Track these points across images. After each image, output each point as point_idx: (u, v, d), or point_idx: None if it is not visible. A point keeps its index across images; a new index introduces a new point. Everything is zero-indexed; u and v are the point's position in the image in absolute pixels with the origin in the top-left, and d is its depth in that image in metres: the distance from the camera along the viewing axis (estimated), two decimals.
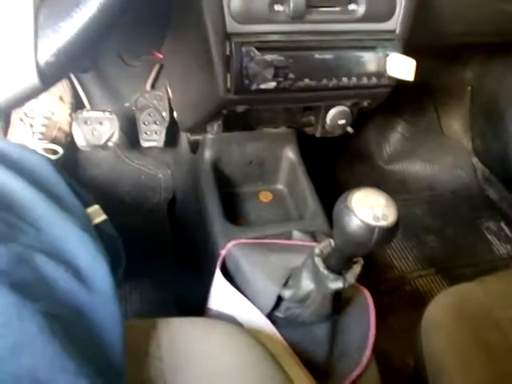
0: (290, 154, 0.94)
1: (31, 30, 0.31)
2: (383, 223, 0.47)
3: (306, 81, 0.67)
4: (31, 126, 1.08)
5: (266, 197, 0.96)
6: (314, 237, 0.77)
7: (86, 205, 0.58)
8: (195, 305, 0.81)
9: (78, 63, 0.38)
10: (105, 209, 0.62)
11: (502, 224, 1.32)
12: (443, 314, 0.66)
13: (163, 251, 1.06)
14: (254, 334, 0.58)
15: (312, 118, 0.88)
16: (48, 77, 0.33)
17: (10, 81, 0.32)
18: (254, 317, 0.66)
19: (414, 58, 0.66)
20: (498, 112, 1.29)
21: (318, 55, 0.66)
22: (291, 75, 0.66)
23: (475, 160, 1.42)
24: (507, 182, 1.34)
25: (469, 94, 1.39)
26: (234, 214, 0.91)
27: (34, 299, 0.38)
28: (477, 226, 1.31)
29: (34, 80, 0.32)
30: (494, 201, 1.37)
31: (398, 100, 1.14)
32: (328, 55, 0.67)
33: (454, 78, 1.37)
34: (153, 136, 1.12)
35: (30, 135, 1.06)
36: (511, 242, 1.27)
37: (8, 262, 0.40)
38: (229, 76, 0.65)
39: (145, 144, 1.12)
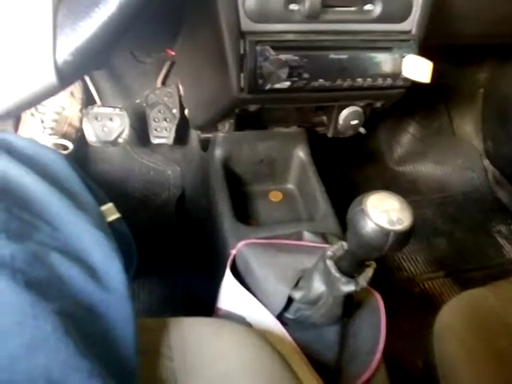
0: (301, 153, 0.93)
1: (50, 29, 0.31)
2: (398, 227, 0.46)
3: (321, 81, 0.66)
4: (42, 121, 1.08)
5: (276, 196, 0.96)
6: (324, 238, 0.77)
7: (100, 202, 0.57)
8: (203, 303, 0.81)
9: (98, 63, 0.38)
10: (114, 205, 0.62)
11: None
12: (455, 318, 0.65)
13: (171, 248, 1.06)
14: (263, 335, 0.58)
15: (324, 117, 0.87)
16: (66, 76, 0.32)
17: (28, 79, 0.32)
18: (264, 318, 0.65)
19: (428, 59, 0.66)
20: (510, 114, 1.28)
21: (333, 55, 0.65)
22: (306, 75, 0.65)
23: (486, 162, 1.41)
24: None
25: (481, 96, 1.38)
26: (243, 213, 0.90)
27: (49, 298, 0.38)
28: (487, 228, 1.30)
29: (51, 79, 0.32)
30: (504, 203, 1.36)
31: (409, 101, 1.13)
32: (343, 55, 0.66)
33: (467, 79, 1.36)
34: (163, 133, 1.12)
35: (40, 130, 1.07)
36: None
37: (23, 260, 0.39)
38: (242, 75, 0.64)
39: (155, 141, 1.12)
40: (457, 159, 1.42)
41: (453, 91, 1.38)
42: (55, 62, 0.32)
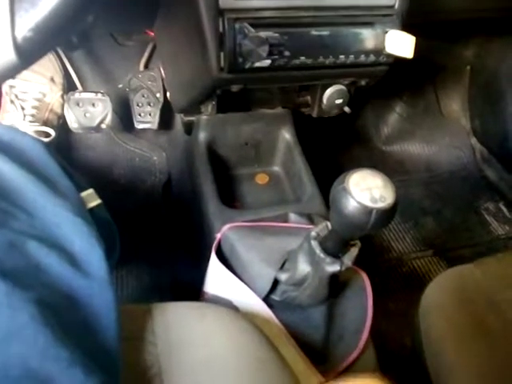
0: (287, 135, 0.92)
1: (7, 4, 0.29)
2: (381, 205, 0.46)
3: (302, 58, 0.65)
4: (22, 108, 1.05)
5: (262, 179, 0.95)
6: (310, 219, 0.76)
7: (80, 188, 0.56)
8: (191, 289, 0.81)
9: (61, 40, 0.36)
10: (99, 192, 0.61)
11: (501, 205, 1.31)
12: (442, 295, 0.65)
13: (158, 234, 1.05)
14: (250, 318, 0.58)
15: (308, 97, 0.86)
16: (26, 53, 0.31)
17: None
18: (250, 300, 0.65)
19: (413, 36, 0.64)
20: (497, 92, 1.27)
21: (314, 32, 0.64)
22: (287, 53, 0.64)
23: (474, 140, 1.41)
24: (506, 163, 1.33)
25: (468, 73, 1.37)
26: (229, 196, 0.89)
27: (26, 287, 0.37)
28: (475, 206, 1.30)
29: (11, 56, 0.30)
30: (492, 181, 1.36)
31: (396, 80, 1.12)
32: (324, 32, 0.65)
33: (453, 57, 1.35)
34: (147, 118, 1.10)
35: (21, 118, 1.04)
36: (510, 222, 1.26)
37: None
38: (222, 54, 0.63)
39: (139, 126, 1.10)
40: (444, 138, 1.42)
41: (439, 69, 1.37)
42: (14, 38, 0.30)
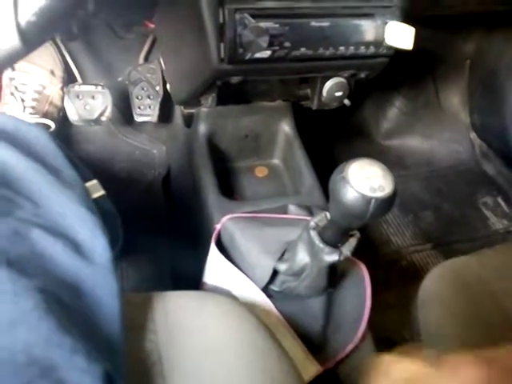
0: (286, 127, 0.92)
1: None
2: (380, 194, 0.46)
3: (302, 50, 0.65)
4: (22, 100, 1.06)
5: (261, 172, 0.95)
6: (309, 211, 0.77)
7: (85, 179, 0.56)
8: (191, 280, 0.81)
9: (63, 25, 0.36)
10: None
11: (499, 199, 1.31)
12: (440, 286, 0.66)
13: (159, 227, 1.05)
14: (248, 307, 0.58)
15: (308, 90, 0.86)
16: (30, 38, 0.31)
17: None
18: (250, 290, 0.65)
19: (413, 27, 0.64)
20: (497, 86, 1.27)
21: (314, 23, 0.64)
22: (287, 44, 0.64)
23: (473, 135, 1.41)
24: (505, 157, 1.33)
25: (468, 68, 1.37)
26: (229, 189, 0.90)
27: (30, 275, 0.37)
28: (474, 201, 1.30)
29: (14, 41, 0.30)
30: (491, 176, 1.37)
31: (395, 74, 1.12)
32: (325, 23, 0.65)
33: (453, 51, 1.34)
34: (146, 111, 1.10)
35: (21, 110, 1.04)
36: (508, 217, 1.27)
37: (4, 236, 0.39)
38: (222, 45, 0.63)
39: (138, 119, 1.10)
40: (443, 132, 1.42)
41: (439, 63, 1.37)
42: (17, 23, 0.30)
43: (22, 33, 0.31)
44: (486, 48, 1.30)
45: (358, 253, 0.58)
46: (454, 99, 1.42)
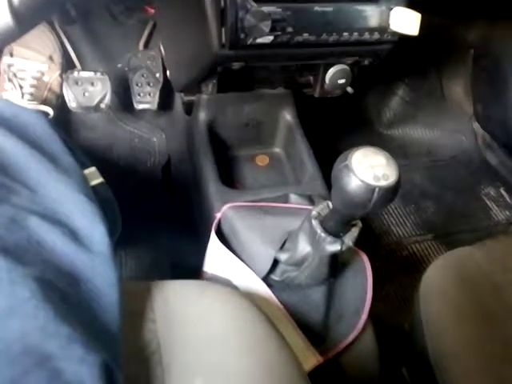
0: (288, 116, 0.91)
1: None
2: (384, 183, 0.45)
3: (305, 35, 0.64)
4: (21, 86, 1.04)
5: (262, 160, 0.94)
6: (311, 200, 0.76)
7: (83, 166, 0.56)
8: (191, 269, 0.80)
9: (57, 6, 0.35)
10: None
11: (502, 190, 1.30)
12: (442, 277, 0.65)
13: (158, 215, 1.04)
14: (248, 297, 0.57)
15: (310, 78, 0.85)
16: (23, 18, 0.30)
17: None
18: (250, 280, 0.65)
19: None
20: (500, 76, 1.26)
21: (317, 7, 0.63)
22: (289, 29, 0.62)
23: (476, 125, 1.40)
24: (508, 148, 1.32)
25: (471, 57, 1.35)
26: (230, 177, 0.89)
27: (27, 263, 0.37)
28: (476, 191, 1.29)
29: (7, 20, 0.29)
30: (493, 166, 1.36)
31: (399, 63, 1.11)
32: (328, 8, 0.63)
33: (457, 40, 1.33)
34: (146, 98, 1.09)
35: (19, 96, 1.03)
36: (510, 208, 1.26)
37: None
38: (223, 30, 0.61)
39: (138, 106, 1.09)
40: (446, 122, 1.40)
41: (443, 52, 1.35)
42: (10, 2, 0.29)
43: (15, 12, 0.29)
44: (490, 37, 1.28)
45: (358, 243, 0.57)
46: (457, 89, 1.41)
